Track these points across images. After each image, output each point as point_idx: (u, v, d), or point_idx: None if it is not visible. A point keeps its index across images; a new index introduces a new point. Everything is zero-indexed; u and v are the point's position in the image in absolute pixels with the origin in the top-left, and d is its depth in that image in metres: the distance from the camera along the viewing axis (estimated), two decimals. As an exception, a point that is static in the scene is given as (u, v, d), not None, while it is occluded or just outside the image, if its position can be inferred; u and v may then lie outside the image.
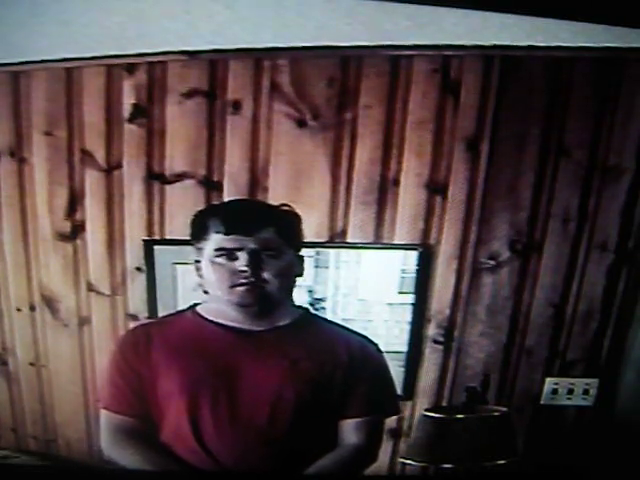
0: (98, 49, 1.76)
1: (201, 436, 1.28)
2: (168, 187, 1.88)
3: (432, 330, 1.90)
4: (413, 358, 1.92)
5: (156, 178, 1.88)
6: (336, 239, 1.86)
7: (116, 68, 1.82)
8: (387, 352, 1.90)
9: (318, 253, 1.87)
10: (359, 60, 1.75)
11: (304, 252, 1.85)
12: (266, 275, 1.29)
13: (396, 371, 1.91)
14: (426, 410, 1.80)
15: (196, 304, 1.41)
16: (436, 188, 1.80)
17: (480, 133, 1.76)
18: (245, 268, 1.27)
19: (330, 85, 1.77)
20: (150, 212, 1.87)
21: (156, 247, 1.86)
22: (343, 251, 1.87)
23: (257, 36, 1.67)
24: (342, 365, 1.34)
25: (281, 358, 1.31)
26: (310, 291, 1.90)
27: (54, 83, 1.85)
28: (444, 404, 1.94)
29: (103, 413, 1.34)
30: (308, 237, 1.84)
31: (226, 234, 1.28)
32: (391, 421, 1.98)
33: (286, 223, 1.36)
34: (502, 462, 1.64)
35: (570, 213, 1.79)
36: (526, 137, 1.75)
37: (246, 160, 1.84)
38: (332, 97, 1.78)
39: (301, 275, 1.39)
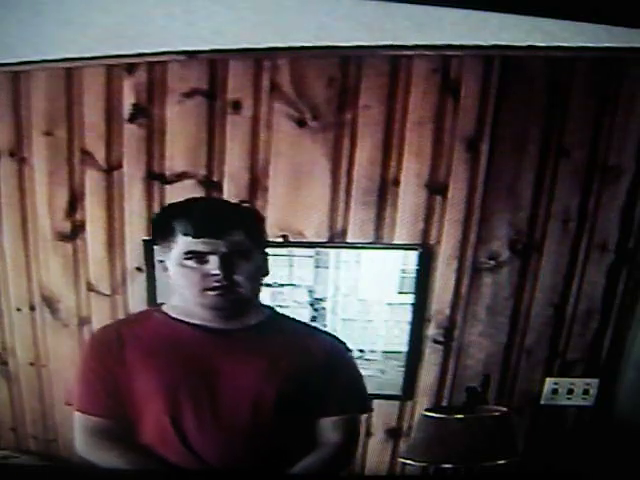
0: (98, 49, 1.76)
1: (185, 436, 1.27)
2: (168, 187, 1.88)
3: (432, 330, 1.90)
4: (413, 358, 1.92)
5: (156, 178, 1.88)
6: (336, 239, 1.86)
7: (116, 68, 1.82)
8: (387, 352, 1.92)
9: (318, 253, 1.87)
10: (359, 60, 1.75)
11: (304, 252, 1.87)
12: (238, 278, 1.28)
13: (396, 371, 1.92)
14: (426, 410, 1.80)
15: (161, 303, 1.40)
16: (436, 188, 1.80)
17: (480, 133, 1.76)
18: (217, 272, 1.26)
19: (330, 85, 1.77)
20: (150, 212, 1.87)
21: (156, 247, 1.85)
22: (343, 251, 1.87)
23: (257, 36, 1.67)
24: (315, 363, 1.35)
25: (258, 357, 1.31)
26: (310, 291, 1.90)
27: (54, 83, 1.85)
28: (444, 404, 1.94)
29: (77, 415, 1.31)
30: (308, 237, 1.86)
31: (195, 237, 1.26)
32: (391, 421, 1.99)
33: (252, 223, 1.35)
34: (502, 462, 1.64)
35: (570, 213, 1.79)
36: (526, 137, 1.75)
37: (246, 160, 1.84)
38: (332, 97, 1.78)
39: (267, 274, 1.38)
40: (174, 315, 1.35)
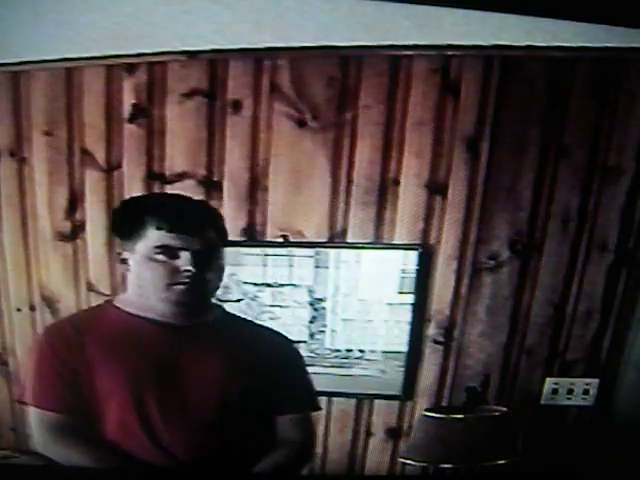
0: (98, 49, 1.76)
1: (152, 432, 1.27)
2: (168, 187, 1.88)
3: (432, 330, 1.90)
4: (413, 358, 1.92)
5: (156, 178, 1.88)
6: (336, 239, 1.86)
7: (116, 68, 1.82)
8: (387, 352, 1.92)
9: (318, 253, 1.87)
10: (359, 60, 1.75)
11: (304, 252, 1.87)
12: (207, 275, 1.29)
13: (396, 371, 1.92)
14: (426, 410, 1.80)
15: (109, 299, 1.41)
16: (436, 188, 1.80)
17: (480, 133, 1.76)
18: (189, 268, 1.27)
19: (330, 85, 1.77)
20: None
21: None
22: (343, 251, 1.87)
23: (257, 36, 1.67)
24: (268, 360, 1.37)
25: (216, 353, 1.32)
26: (310, 291, 1.90)
27: (54, 83, 1.85)
28: (444, 404, 1.94)
29: (34, 411, 1.30)
30: (308, 237, 1.86)
31: (170, 232, 1.26)
32: (391, 421, 1.99)
33: (219, 221, 1.37)
34: (502, 462, 1.64)
35: (570, 213, 1.79)
36: (526, 137, 1.75)
37: (246, 160, 1.84)
38: (332, 97, 1.78)
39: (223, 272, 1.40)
40: (130, 310, 1.34)
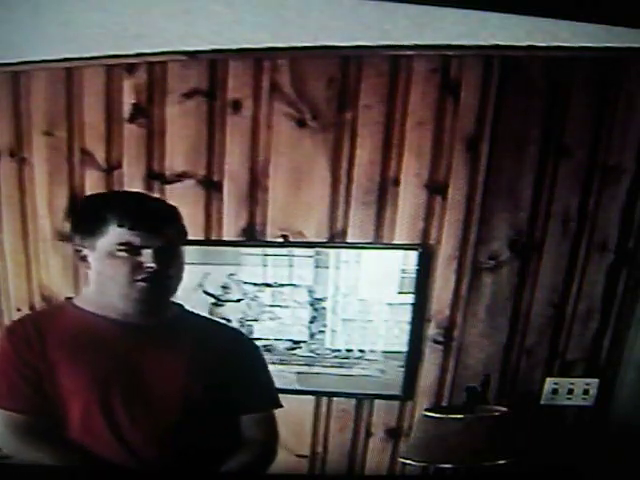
0: (98, 49, 1.76)
1: (117, 431, 1.27)
2: (168, 187, 1.88)
3: (432, 330, 1.90)
4: (413, 358, 1.92)
5: (156, 178, 1.88)
6: (336, 239, 1.86)
7: (116, 68, 1.82)
8: (387, 352, 1.92)
9: (318, 253, 1.87)
10: (359, 60, 1.75)
11: (304, 252, 1.87)
12: (169, 272, 1.30)
13: (396, 371, 1.92)
14: (426, 410, 1.80)
15: (68, 297, 1.40)
16: (436, 188, 1.80)
17: (480, 133, 1.76)
18: (152, 264, 1.27)
19: (330, 85, 1.77)
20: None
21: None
22: (343, 251, 1.87)
23: (257, 36, 1.67)
24: (227, 359, 1.38)
25: (178, 351, 1.33)
26: (310, 291, 1.90)
27: (54, 83, 1.85)
28: (444, 404, 1.94)
29: None
30: (308, 237, 1.86)
31: (131, 229, 1.26)
32: (391, 421, 1.99)
33: (179, 219, 1.36)
34: (502, 462, 1.64)
35: (570, 213, 1.79)
36: (526, 137, 1.75)
37: (246, 160, 1.84)
38: (332, 97, 1.78)
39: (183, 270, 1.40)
40: (90, 309, 1.33)
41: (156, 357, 1.31)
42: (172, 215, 1.35)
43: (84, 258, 1.32)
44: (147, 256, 1.27)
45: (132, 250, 1.27)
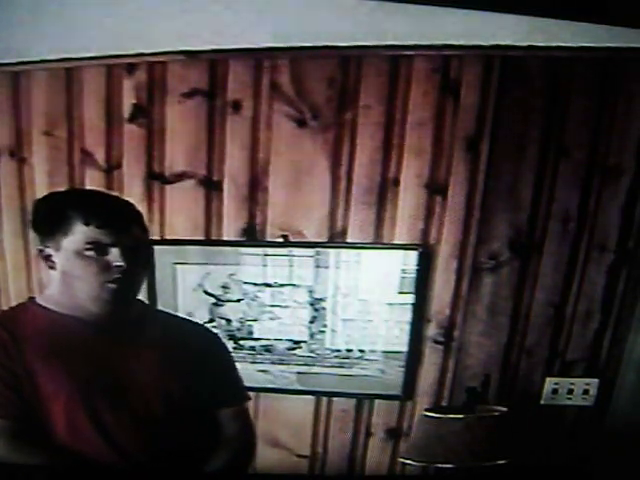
0: (98, 49, 1.76)
1: (104, 430, 1.25)
2: (168, 187, 1.88)
3: (432, 330, 1.90)
4: (413, 358, 1.92)
5: (156, 178, 1.88)
6: (336, 239, 1.86)
7: (116, 68, 1.82)
8: (387, 352, 1.92)
9: (318, 253, 1.87)
10: (359, 60, 1.75)
11: (304, 252, 1.87)
12: (137, 270, 1.29)
13: (396, 371, 1.92)
14: (426, 410, 1.80)
15: (32, 297, 1.37)
16: (436, 188, 1.80)
17: (480, 133, 1.76)
18: (121, 263, 1.24)
19: (330, 85, 1.77)
20: (150, 212, 1.87)
21: (156, 247, 1.85)
22: (343, 251, 1.87)
23: (257, 36, 1.67)
24: (192, 354, 1.36)
25: (148, 348, 1.31)
26: (310, 291, 1.90)
27: (54, 83, 1.85)
28: (444, 404, 1.94)
29: None
30: (308, 237, 1.86)
31: (98, 227, 1.24)
32: (391, 421, 1.98)
33: (141, 218, 1.34)
34: (502, 462, 1.64)
35: (570, 213, 1.79)
36: (526, 137, 1.75)
37: (246, 160, 1.84)
38: (332, 97, 1.78)
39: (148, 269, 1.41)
40: (56, 308, 1.30)
41: (128, 355, 1.29)
42: (134, 214, 1.33)
43: (48, 258, 1.28)
44: (115, 255, 1.25)
45: (100, 249, 1.24)
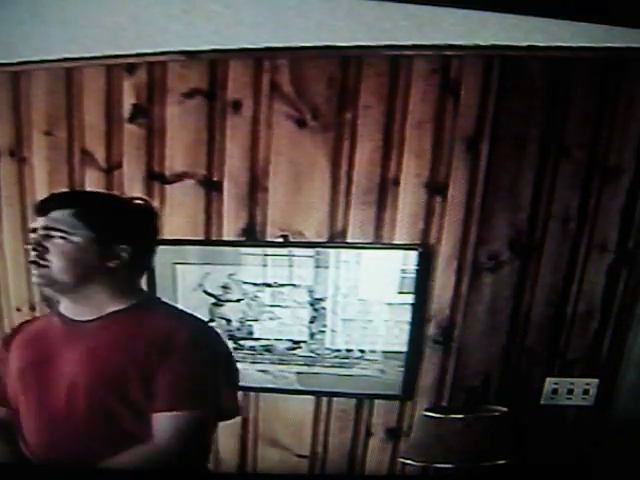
0: (98, 49, 1.77)
1: (29, 426, 1.27)
2: (168, 187, 1.88)
3: (432, 330, 1.90)
4: (413, 358, 1.92)
5: (156, 178, 1.88)
6: (336, 239, 1.86)
7: (116, 68, 1.82)
8: (387, 352, 1.92)
9: (318, 253, 1.87)
10: (359, 60, 1.75)
11: (304, 252, 1.87)
12: (50, 257, 1.23)
13: (396, 371, 1.92)
14: (426, 410, 1.80)
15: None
16: (436, 188, 1.80)
17: (480, 133, 1.76)
18: (29, 246, 1.25)
19: (330, 85, 1.77)
20: (150, 212, 1.87)
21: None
22: (343, 251, 1.87)
23: (257, 36, 1.67)
24: (179, 349, 1.25)
25: (87, 347, 1.25)
26: (310, 291, 1.90)
27: (54, 83, 1.85)
28: (444, 404, 1.94)
29: None
30: (308, 237, 1.86)
31: (35, 215, 1.28)
32: (391, 421, 1.99)
33: (93, 207, 1.29)
34: (502, 462, 1.64)
35: (570, 213, 1.79)
36: (526, 137, 1.75)
37: (246, 160, 1.84)
38: (332, 97, 1.78)
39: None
40: (57, 307, 1.35)
41: (67, 353, 1.26)
42: (74, 200, 1.31)
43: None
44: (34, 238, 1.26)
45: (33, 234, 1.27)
